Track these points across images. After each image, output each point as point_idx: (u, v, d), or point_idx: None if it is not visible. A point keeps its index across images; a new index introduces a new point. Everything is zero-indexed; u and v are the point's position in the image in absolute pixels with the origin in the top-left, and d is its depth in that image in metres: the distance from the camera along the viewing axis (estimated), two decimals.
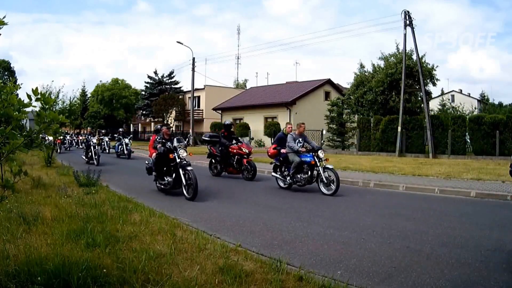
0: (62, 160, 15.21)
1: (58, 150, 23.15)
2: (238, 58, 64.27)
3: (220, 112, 36.92)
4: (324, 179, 8.78)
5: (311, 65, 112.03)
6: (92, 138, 16.79)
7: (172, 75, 47.77)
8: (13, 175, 3.33)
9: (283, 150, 9.70)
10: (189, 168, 8.00)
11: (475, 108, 38.40)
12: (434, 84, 25.68)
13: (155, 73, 47.78)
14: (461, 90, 55.87)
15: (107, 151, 23.35)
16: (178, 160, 8.17)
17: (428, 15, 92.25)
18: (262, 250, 4.55)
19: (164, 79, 47.56)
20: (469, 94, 54.61)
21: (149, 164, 9.29)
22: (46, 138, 24.36)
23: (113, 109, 48.74)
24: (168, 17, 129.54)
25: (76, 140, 31.20)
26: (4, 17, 2.71)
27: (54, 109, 12.79)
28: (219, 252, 4.16)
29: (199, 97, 42.45)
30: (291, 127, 10.40)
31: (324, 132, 26.24)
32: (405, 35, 21.48)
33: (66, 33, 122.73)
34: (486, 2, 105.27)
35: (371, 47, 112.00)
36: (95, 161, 16.02)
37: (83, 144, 17.51)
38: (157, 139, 8.79)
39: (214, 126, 34.93)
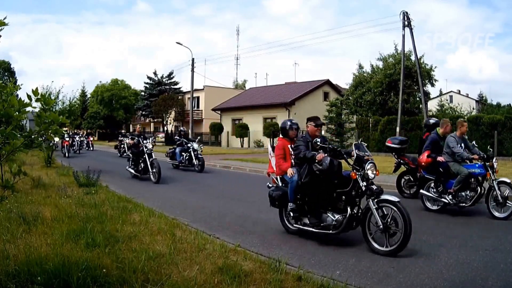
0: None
1: (67, 154, 19.99)
2: (237, 59, 64.29)
3: (219, 112, 36.96)
4: (499, 197, 6.37)
5: (310, 65, 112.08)
6: (146, 141, 11.22)
7: (171, 76, 47.84)
8: (12, 175, 3.35)
9: (440, 158, 6.96)
10: (390, 198, 4.65)
11: (473, 109, 38.47)
12: (432, 85, 25.87)
13: (155, 73, 47.87)
14: (459, 91, 56.01)
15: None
16: (362, 185, 4.72)
17: (427, 16, 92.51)
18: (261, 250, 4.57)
19: (164, 80, 47.60)
20: (467, 94, 54.74)
21: (276, 190, 5.52)
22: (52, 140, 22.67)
23: (112, 110, 48.70)
24: (167, 17, 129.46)
25: (86, 142, 27.36)
26: (5, 18, 2.72)
27: (54, 110, 12.65)
28: (218, 252, 4.17)
29: (198, 97, 42.47)
30: (449, 125, 7.56)
31: (322, 132, 26.26)
32: (403, 36, 21.52)
33: (66, 33, 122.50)
34: (485, 2, 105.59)
35: (371, 47, 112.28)
36: (152, 176, 10.74)
37: (129, 151, 12.40)
38: (301, 144, 5.22)
39: (213, 126, 35.00)
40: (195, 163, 13.61)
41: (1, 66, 52.08)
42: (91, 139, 29.09)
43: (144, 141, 11.21)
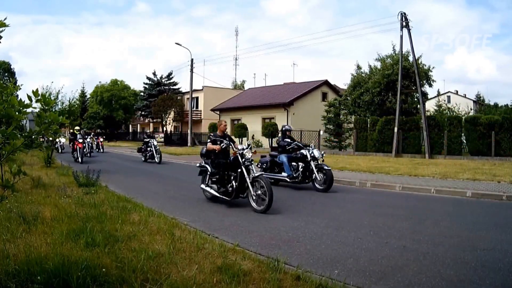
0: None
1: (80, 159, 16.73)
2: (236, 59, 64.35)
3: (218, 113, 37.00)
4: None
5: (309, 65, 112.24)
6: (241, 147, 7.46)
7: (170, 76, 47.93)
8: (12, 175, 3.36)
9: None
10: None
11: (471, 109, 38.55)
12: (430, 85, 25.88)
13: (154, 74, 47.97)
14: (457, 91, 56.26)
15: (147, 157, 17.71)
16: None
17: (426, 16, 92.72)
18: (260, 249, 4.59)
19: (163, 80, 47.67)
20: (465, 95, 54.98)
21: None
22: (58, 140, 19.53)
23: (112, 110, 48.69)
24: (167, 18, 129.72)
25: (96, 142, 24.92)
26: (5, 19, 2.74)
27: (53, 110, 12.55)
28: (217, 252, 4.19)
29: (197, 98, 42.48)
30: None
31: (321, 132, 26.31)
32: (401, 36, 21.59)
33: (65, 34, 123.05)
34: (483, 3, 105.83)
35: (369, 48, 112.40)
36: (254, 202, 6.98)
37: (204, 158, 8.32)
38: None
39: (212, 127, 34.96)
40: (318, 178, 9.37)
41: (1, 66, 52.04)
42: (101, 140, 26.58)
43: (239, 147, 7.47)
